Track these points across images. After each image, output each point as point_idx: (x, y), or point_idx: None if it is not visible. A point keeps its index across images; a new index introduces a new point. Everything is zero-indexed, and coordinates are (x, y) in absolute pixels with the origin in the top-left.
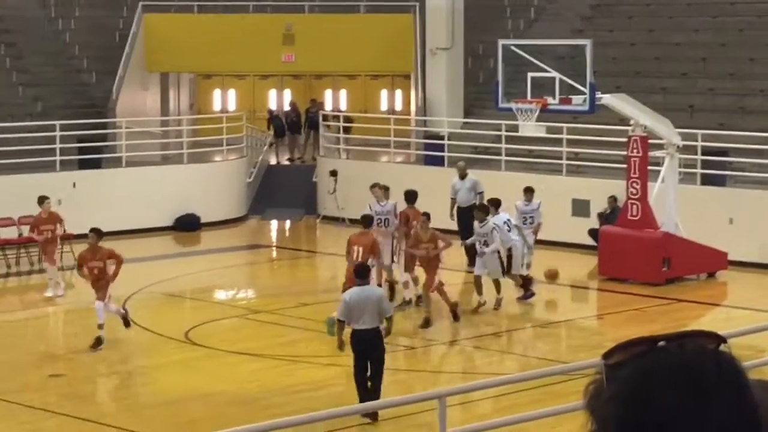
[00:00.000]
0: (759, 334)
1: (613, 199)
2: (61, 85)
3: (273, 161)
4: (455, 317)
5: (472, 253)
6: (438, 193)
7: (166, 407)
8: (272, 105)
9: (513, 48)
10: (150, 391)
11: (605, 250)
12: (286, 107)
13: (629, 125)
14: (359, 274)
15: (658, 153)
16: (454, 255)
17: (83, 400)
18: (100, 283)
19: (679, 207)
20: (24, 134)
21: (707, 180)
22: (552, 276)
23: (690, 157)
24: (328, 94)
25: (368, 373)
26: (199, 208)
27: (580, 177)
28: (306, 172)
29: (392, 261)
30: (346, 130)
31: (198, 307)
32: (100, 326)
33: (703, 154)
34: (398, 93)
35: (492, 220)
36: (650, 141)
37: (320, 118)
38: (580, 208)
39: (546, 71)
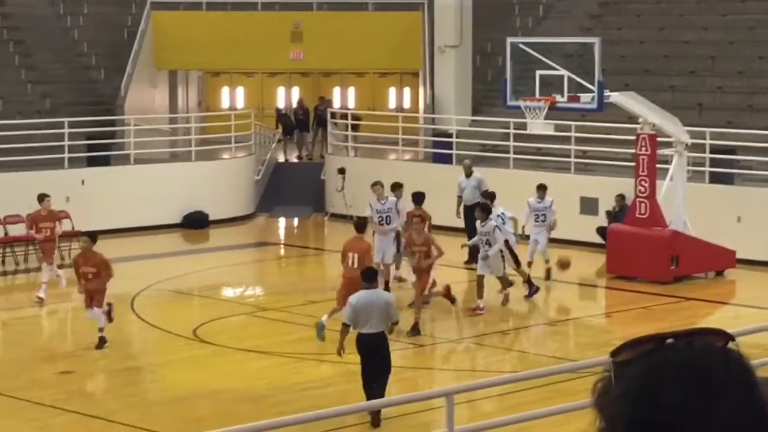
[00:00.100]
0: (767, 332)
1: (620, 198)
2: (69, 82)
3: (281, 159)
4: (452, 301)
5: (473, 251)
6: (446, 191)
7: (174, 404)
8: (281, 102)
9: (521, 46)
10: (158, 388)
11: (613, 248)
12: (295, 105)
13: (638, 123)
14: (367, 277)
15: (666, 151)
16: (454, 252)
17: (92, 397)
18: (92, 289)
19: (688, 205)
20: (33, 131)
21: (715, 178)
22: (564, 265)
23: (698, 155)
24: (336, 91)
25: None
26: (207, 206)
27: (588, 175)
28: (314, 169)
29: (398, 251)
30: (354, 127)
31: (206, 305)
32: (101, 329)
33: (711, 152)
34: (406, 91)
35: (493, 219)
36: (659, 139)
37: (328, 116)
38: (589, 206)
39: (554, 69)
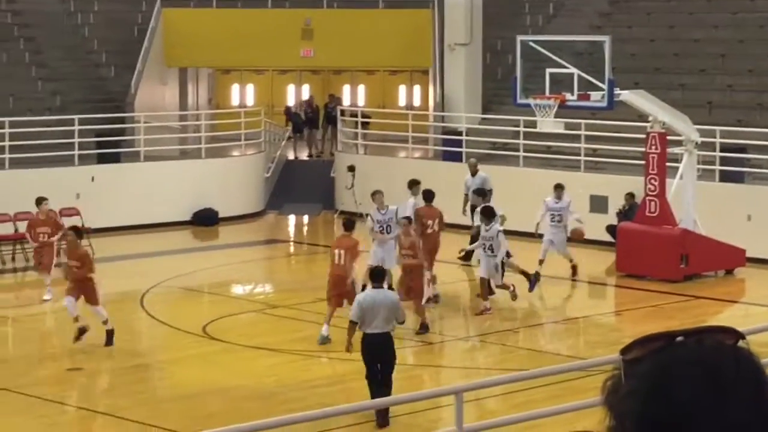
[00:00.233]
0: None
1: (630, 196)
2: (79, 79)
3: (291, 156)
4: (435, 301)
5: (470, 251)
6: (456, 189)
7: (184, 401)
8: (290, 100)
9: (531, 44)
10: (167, 385)
11: (623, 246)
12: (293, 104)
13: (647, 122)
14: (375, 277)
15: (676, 149)
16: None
17: (100, 393)
18: (76, 281)
19: (698, 204)
20: (43, 128)
21: (725, 177)
22: (578, 235)
23: (708, 154)
24: (346, 89)
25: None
26: (217, 203)
27: (598, 173)
28: (324, 167)
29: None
30: (364, 125)
31: (215, 302)
32: (76, 319)
33: (721, 150)
34: (416, 88)
35: (495, 224)
36: (669, 137)
37: (338, 114)
38: (598, 204)
39: (564, 67)
